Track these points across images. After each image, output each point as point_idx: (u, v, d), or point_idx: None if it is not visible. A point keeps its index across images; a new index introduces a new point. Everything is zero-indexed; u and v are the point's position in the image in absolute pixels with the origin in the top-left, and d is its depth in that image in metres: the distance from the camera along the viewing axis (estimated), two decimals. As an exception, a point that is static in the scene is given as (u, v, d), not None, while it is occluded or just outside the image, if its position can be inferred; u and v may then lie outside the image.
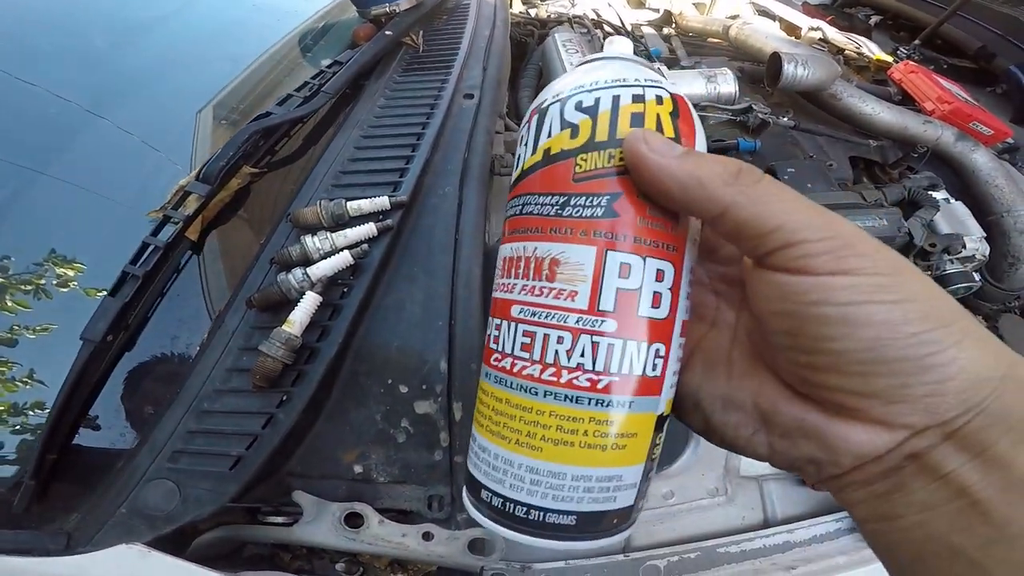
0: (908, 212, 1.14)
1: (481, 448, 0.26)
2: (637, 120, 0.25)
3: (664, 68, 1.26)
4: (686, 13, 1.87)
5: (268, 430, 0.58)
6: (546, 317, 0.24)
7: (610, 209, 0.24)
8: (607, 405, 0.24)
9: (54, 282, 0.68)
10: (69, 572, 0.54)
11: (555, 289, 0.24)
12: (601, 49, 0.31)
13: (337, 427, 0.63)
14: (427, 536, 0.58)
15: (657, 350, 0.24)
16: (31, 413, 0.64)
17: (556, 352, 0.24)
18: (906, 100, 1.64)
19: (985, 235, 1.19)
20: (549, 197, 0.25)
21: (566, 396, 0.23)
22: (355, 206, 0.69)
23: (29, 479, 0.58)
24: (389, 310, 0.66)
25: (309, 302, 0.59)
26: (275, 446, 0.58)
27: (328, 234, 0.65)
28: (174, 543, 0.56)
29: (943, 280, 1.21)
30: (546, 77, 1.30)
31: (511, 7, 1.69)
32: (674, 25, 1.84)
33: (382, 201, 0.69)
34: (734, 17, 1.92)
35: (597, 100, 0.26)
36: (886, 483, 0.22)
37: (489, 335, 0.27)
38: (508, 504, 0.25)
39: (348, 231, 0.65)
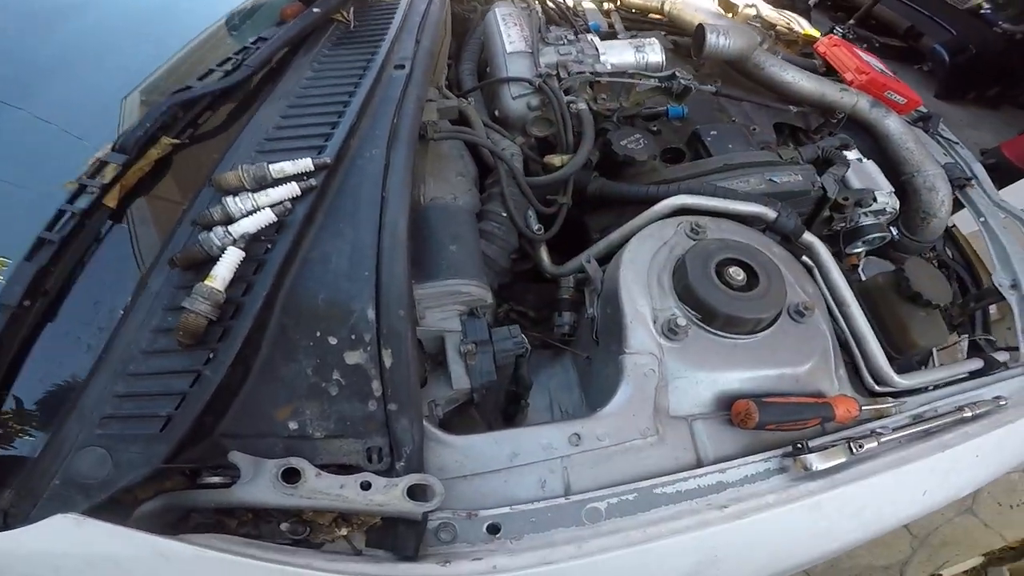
0: (822, 169, 1.23)
1: None
2: None
3: (597, 40, 1.30)
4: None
5: (196, 388, 0.58)
6: None
7: None
8: None
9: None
10: (6, 547, 0.52)
11: None
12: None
13: (269, 384, 0.63)
14: (365, 485, 0.58)
15: None
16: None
17: None
18: (830, 71, 1.75)
19: (894, 190, 1.29)
20: None
21: None
22: (278, 168, 0.70)
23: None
24: (315, 263, 0.67)
25: (231, 257, 0.60)
26: (205, 403, 0.57)
27: (250, 194, 0.66)
28: (114, 512, 0.55)
29: (858, 231, 1.30)
30: (486, 51, 1.33)
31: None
32: (616, 0, 1.90)
33: (305, 163, 0.71)
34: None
35: None
36: None
37: None
38: None
39: (271, 191, 0.67)
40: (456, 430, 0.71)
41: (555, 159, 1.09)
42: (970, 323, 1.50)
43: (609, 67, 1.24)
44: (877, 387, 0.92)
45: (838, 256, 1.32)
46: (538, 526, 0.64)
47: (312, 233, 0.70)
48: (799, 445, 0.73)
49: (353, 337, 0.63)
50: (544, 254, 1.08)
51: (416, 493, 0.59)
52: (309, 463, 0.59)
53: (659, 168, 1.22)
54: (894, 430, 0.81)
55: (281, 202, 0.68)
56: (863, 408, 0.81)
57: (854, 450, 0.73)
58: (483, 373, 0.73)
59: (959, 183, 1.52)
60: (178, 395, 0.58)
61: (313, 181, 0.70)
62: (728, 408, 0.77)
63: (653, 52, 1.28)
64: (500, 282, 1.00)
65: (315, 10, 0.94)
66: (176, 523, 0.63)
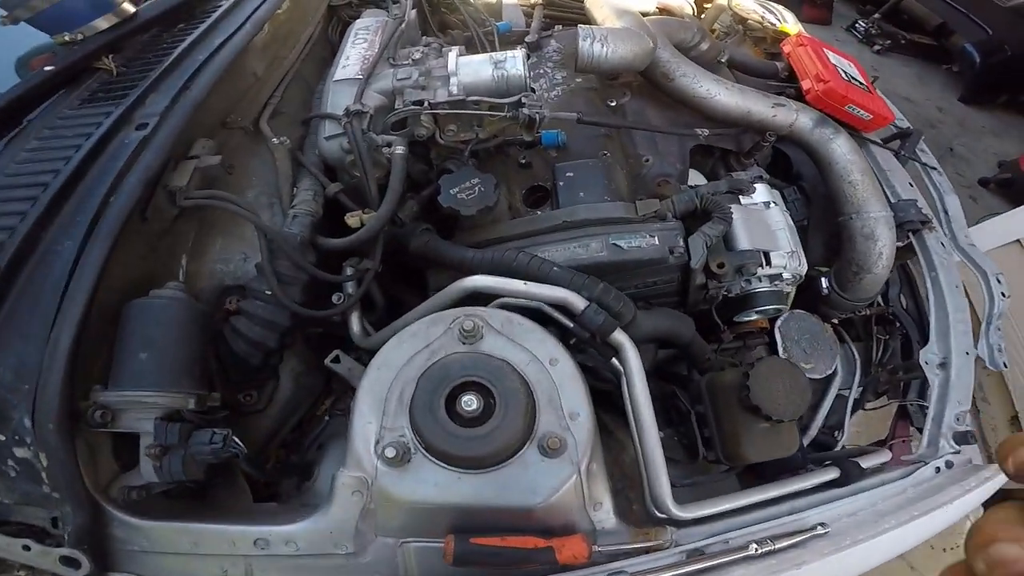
0: (698, 224, 1.03)
1: None
2: None
3: (453, 57, 1.10)
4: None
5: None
6: None
7: None
8: None
9: None
10: None
11: None
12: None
13: None
14: (25, 547, 0.69)
15: None
16: None
17: None
18: (792, 77, 1.46)
19: (793, 251, 1.07)
20: None
21: None
22: (-62, 276, 0.65)
23: None
24: None
25: None
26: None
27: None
28: None
29: (749, 300, 1.11)
30: (329, 71, 1.18)
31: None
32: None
33: (-34, 269, 0.65)
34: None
35: None
36: None
37: None
38: None
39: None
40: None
41: (352, 217, 0.96)
42: (901, 388, 1.31)
43: (455, 90, 1.05)
44: (658, 514, 0.81)
45: (729, 324, 1.15)
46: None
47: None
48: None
49: (17, 438, 0.68)
50: (355, 323, 0.99)
51: (69, 561, 0.69)
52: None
53: (501, 220, 1.07)
54: (653, 571, 0.72)
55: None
56: (600, 549, 0.72)
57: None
58: (171, 473, 0.74)
59: (912, 227, 1.26)
60: None
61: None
62: (443, 536, 0.71)
63: (514, 66, 1.06)
64: (270, 362, 0.93)
65: (47, 68, 0.84)
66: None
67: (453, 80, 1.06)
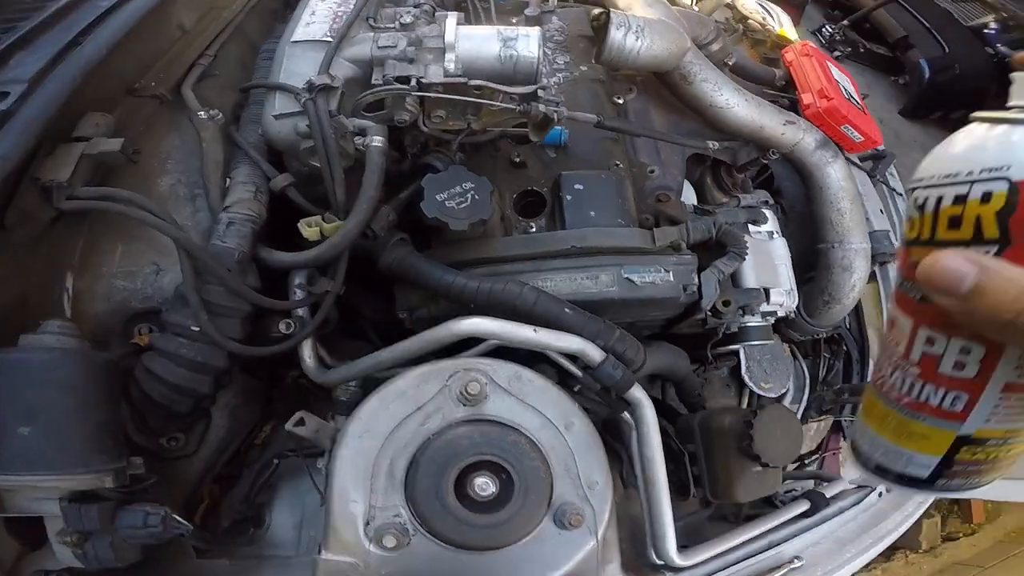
0: (710, 257, 0.94)
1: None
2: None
3: (452, 24, 0.88)
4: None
5: None
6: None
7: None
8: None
9: None
10: None
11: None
12: None
13: None
14: None
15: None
16: None
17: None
18: (789, 86, 1.38)
19: (791, 288, 1.03)
20: None
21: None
22: None
23: None
24: None
25: None
26: None
27: None
28: None
29: (740, 334, 1.05)
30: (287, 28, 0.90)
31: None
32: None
33: None
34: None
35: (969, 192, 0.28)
36: None
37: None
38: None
39: None
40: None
41: (310, 227, 0.74)
42: (840, 408, 1.39)
43: (452, 67, 0.84)
44: (657, 561, 0.79)
45: (713, 355, 1.10)
46: None
47: None
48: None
49: None
50: (307, 354, 0.79)
51: None
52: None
53: (494, 234, 0.90)
54: None
55: None
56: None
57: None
58: (100, 560, 0.59)
59: (882, 259, 1.28)
60: None
61: None
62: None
63: (527, 48, 0.86)
64: (202, 407, 0.73)
65: None
66: None
67: (450, 56, 0.84)
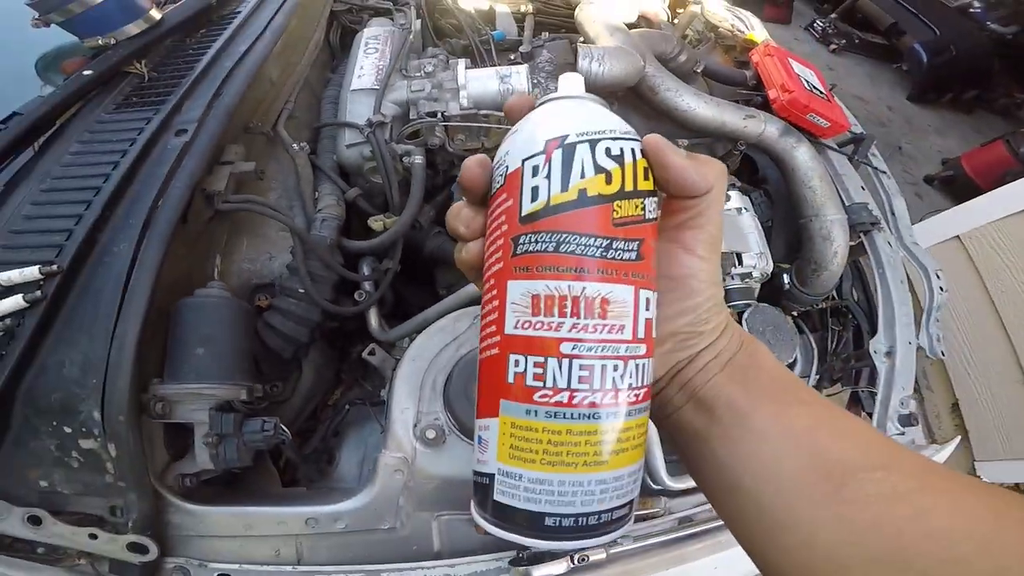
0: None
1: (534, 481, 0.27)
2: (647, 173, 0.30)
3: (462, 69, 1.19)
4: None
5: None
6: (601, 351, 0.27)
7: (639, 253, 0.28)
8: (645, 411, 0.29)
9: None
10: None
11: (607, 325, 0.27)
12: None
13: (21, 452, 0.71)
14: (92, 536, 0.72)
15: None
16: None
17: (613, 379, 0.27)
18: (760, 85, 1.60)
19: (761, 252, 1.21)
20: (592, 239, 0.27)
21: (626, 413, 0.28)
22: (5, 277, 0.70)
23: None
24: (50, 369, 0.71)
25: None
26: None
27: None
28: None
29: (724, 297, 1.24)
30: (344, 80, 1.24)
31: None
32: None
33: (31, 272, 0.70)
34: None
35: (621, 150, 0.29)
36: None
37: (522, 373, 0.28)
38: (582, 518, 0.27)
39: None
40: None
41: (377, 222, 1.04)
42: (853, 376, 1.47)
43: (465, 103, 1.14)
44: (654, 486, 0.93)
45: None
46: (264, 585, 0.74)
47: (48, 342, 0.71)
48: (520, 555, 0.76)
49: (84, 430, 0.71)
50: (373, 319, 1.07)
51: (135, 547, 0.72)
52: (49, 513, 0.70)
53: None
54: (652, 535, 0.84)
55: (4, 317, 0.68)
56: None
57: (575, 562, 0.76)
58: (227, 460, 0.79)
59: (863, 228, 1.43)
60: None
61: (38, 293, 0.70)
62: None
63: (519, 82, 1.17)
64: (298, 356, 1.01)
65: (86, 72, 0.88)
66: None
67: (463, 93, 1.15)
